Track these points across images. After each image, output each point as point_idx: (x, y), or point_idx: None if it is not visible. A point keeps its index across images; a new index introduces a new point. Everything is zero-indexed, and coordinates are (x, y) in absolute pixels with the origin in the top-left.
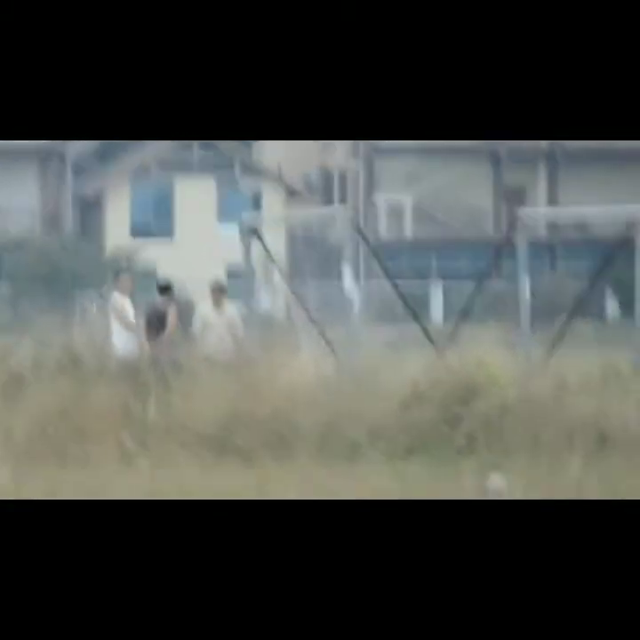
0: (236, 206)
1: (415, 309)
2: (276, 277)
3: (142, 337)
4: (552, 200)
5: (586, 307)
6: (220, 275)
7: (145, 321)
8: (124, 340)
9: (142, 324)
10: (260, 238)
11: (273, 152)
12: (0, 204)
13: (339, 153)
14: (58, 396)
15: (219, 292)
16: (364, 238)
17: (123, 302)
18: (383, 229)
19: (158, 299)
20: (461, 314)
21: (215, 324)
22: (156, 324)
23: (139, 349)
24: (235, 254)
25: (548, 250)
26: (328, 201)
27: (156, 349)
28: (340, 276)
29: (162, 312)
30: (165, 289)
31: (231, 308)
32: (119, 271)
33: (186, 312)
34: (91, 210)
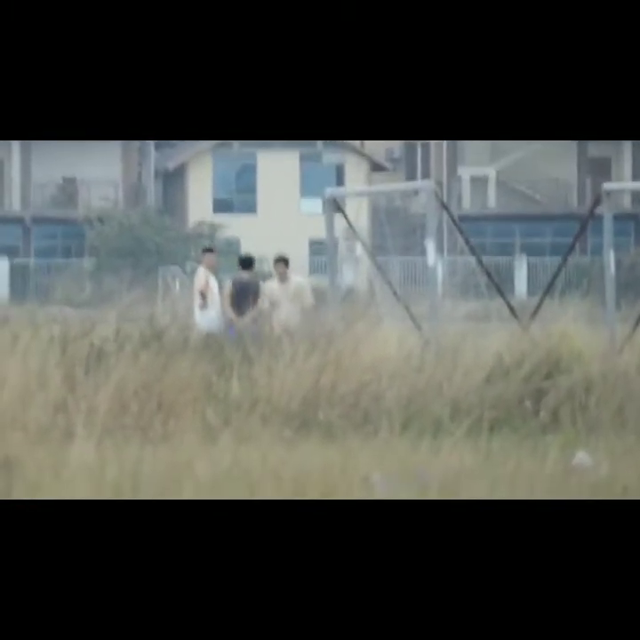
0: (319, 181)
1: (499, 284)
2: (360, 252)
3: (229, 311)
4: (637, 172)
5: None
6: (303, 250)
7: (232, 296)
8: (207, 315)
9: (229, 298)
10: (343, 213)
11: None
12: (83, 178)
13: None
14: (141, 371)
15: (282, 266)
16: (449, 212)
17: (207, 278)
18: (467, 203)
19: (245, 273)
20: (546, 288)
21: (280, 298)
22: (242, 298)
23: (224, 324)
24: (318, 229)
25: (633, 223)
26: (411, 175)
27: (244, 324)
28: (423, 251)
29: (249, 287)
30: (248, 263)
31: (297, 280)
32: (206, 248)
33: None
34: (173, 184)
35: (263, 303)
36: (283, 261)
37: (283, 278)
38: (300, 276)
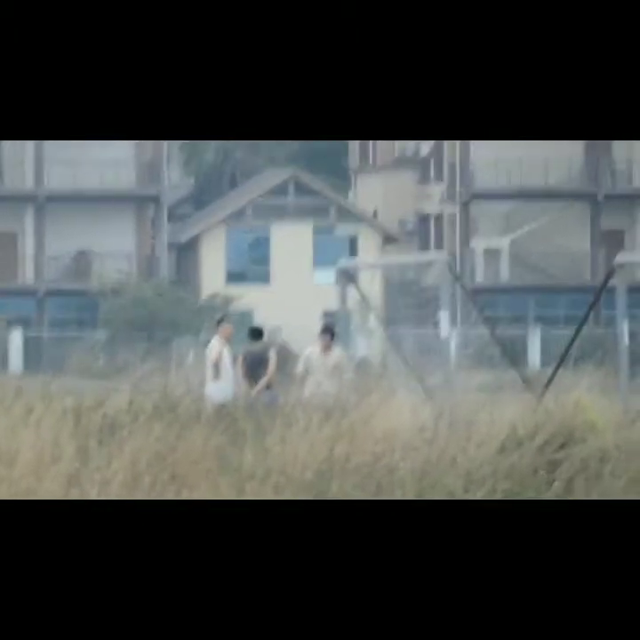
0: (332, 252)
1: (512, 355)
2: (373, 323)
3: (243, 382)
4: None
5: None
6: (316, 321)
7: (245, 366)
8: (221, 385)
9: (242, 368)
10: (355, 284)
11: (369, 197)
12: (96, 250)
13: (435, 198)
14: (154, 442)
15: (327, 337)
16: (462, 284)
17: (221, 348)
18: (480, 275)
19: (257, 344)
20: (559, 359)
21: (319, 368)
22: (255, 369)
23: (237, 395)
24: (331, 300)
25: None
26: (424, 246)
27: (257, 393)
28: (436, 322)
29: (261, 357)
30: (257, 335)
31: (339, 351)
32: (221, 319)
33: (282, 357)
34: (186, 256)
35: (298, 369)
36: (329, 332)
37: (326, 349)
38: (340, 348)
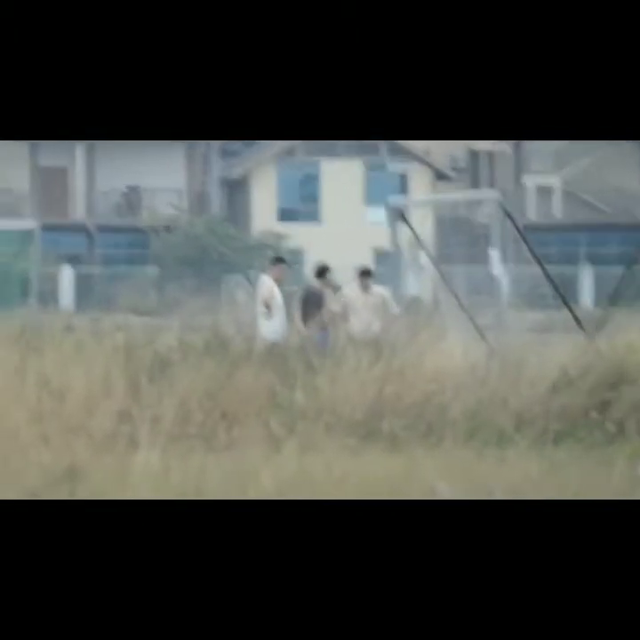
0: (383, 189)
1: (564, 294)
2: (424, 261)
3: (298, 320)
4: None
5: None
6: (367, 260)
7: (301, 304)
8: (271, 324)
9: (298, 307)
10: (407, 222)
11: None
12: (148, 186)
13: None
14: (204, 379)
15: (365, 277)
16: (513, 222)
17: (272, 287)
18: (532, 212)
19: (314, 282)
20: (611, 299)
21: (360, 307)
22: (311, 307)
23: (290, 333)
24: (382, 238)
25: None
26: (475, 183)
27: (313, 333)
28: (487, 260)
29: (317, 296)
30: (322, 272)
31: (380, 290)
32: (277, 258)
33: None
34: (237, 193)
35: (336, 307)
36: (367, 273)
37: (365, 288)
38: (381, 287)
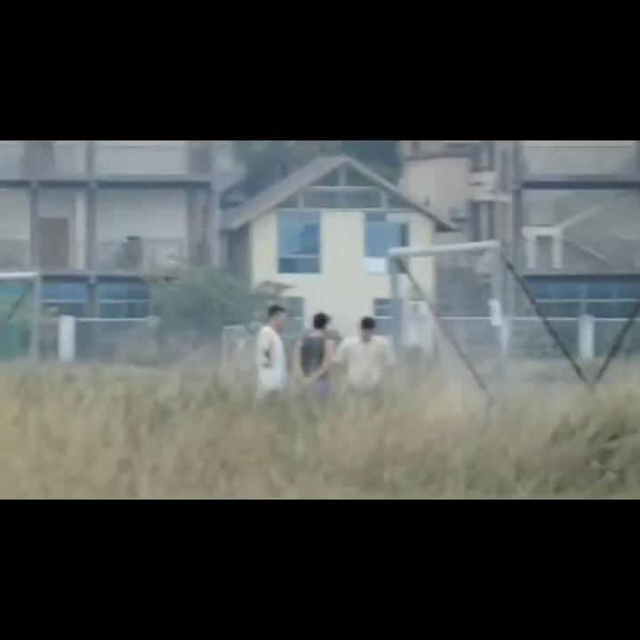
0: (383, 240)
1: (564, 344)
2: (424, 311)
3: (298, 369)
4: None
5: None
6: (367, 309)
7: (301, 353)
8: (273, 373)
9: (298, 356)
10: (407, 272)
11: (420, 185)
12: (148, 236)
13: (487, 186)
14: (205, 429)
15: (367, 327)
16: (514, 272)
17: (272, 336)
18: (532, 263)
19: (313, 332)
20: (611, 349)
21: (361, 356)
22: (310, 356)
23: (291, 382)
24: (382, 288)
25: None
26: (476, 234)
27: (313, 381)
28: (487, 310)
29: (317, 345)
30: (322, 322)
31: (380, 340)
32: (275, 307)
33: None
34: (237, 243)
35: (337, 358)
36: (370, 323)
37: (366, 338)
38: (381, 337)
